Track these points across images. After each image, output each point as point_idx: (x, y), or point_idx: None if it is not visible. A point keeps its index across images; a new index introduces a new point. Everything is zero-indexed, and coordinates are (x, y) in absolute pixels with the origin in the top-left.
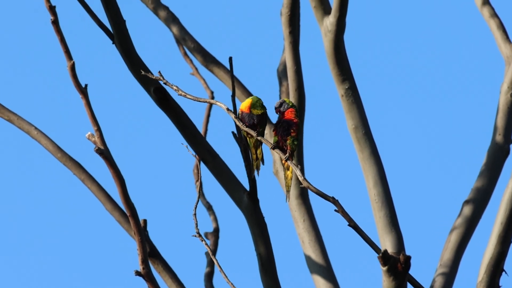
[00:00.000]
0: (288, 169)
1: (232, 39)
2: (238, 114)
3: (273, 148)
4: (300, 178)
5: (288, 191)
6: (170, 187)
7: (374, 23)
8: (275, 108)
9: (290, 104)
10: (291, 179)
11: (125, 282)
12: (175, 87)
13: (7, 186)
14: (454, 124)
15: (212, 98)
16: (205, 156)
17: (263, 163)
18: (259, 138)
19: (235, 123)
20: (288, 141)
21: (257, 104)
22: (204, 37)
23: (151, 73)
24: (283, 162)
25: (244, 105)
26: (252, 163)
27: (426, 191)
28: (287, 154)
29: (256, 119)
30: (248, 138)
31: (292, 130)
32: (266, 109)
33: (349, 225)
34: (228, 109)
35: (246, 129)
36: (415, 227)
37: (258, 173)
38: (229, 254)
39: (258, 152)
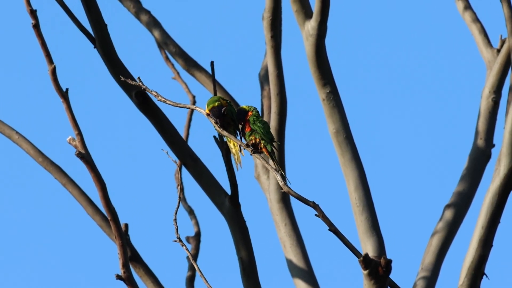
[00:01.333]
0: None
1: (213, 43)
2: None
3: (246, 146)
4: (281, 183)
5: (238, 162)
6: (152, 191)
7: (355, 28)
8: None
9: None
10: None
11: (106, 286)
12: (154, 93)
13: None
14: (435, 128)
15: (194, 102)
16: (187, 160)
17: (243, 154)
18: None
19: (215, 127)
20: (251, 136)
21: (211, 100)
22: (186, 41)
23: (131, 79)
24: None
25: (207, 108)
26: (236, 158)
27: (407, 195)
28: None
29: (217, 110)
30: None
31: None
32: (220, 101)
33: (329, 229)
34: (207, 114)
35: (225, 134)
36: (397, 231)
37: (241, 166)
38: (211, 258)
39: (234, 144)
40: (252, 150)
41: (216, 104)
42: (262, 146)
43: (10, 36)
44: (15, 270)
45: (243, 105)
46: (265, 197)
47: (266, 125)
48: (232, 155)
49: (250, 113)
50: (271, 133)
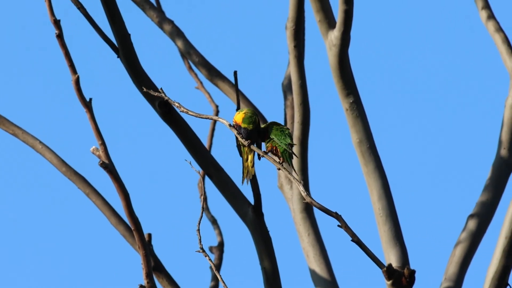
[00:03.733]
0: (247, 160)
1: (237, 53)
2: (233, 124)
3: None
4: (303, 194)
5: (246, 177)
6: (175, 201)
7: (379, 37)
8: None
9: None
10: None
11: None
12: (177, 104)
13: (12, 200)
14: (459, 138)
15: (217, 112)
16: (210, 170)
17: (253, 173)
18: (255, 149)
19: (237, 138)
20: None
21: (247, 119)
22: (209, 51)
23: (154, 89)
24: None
25: (237, 117)
26: (243, 171)
27: (430, 205)
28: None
29: (244, 132)
30: (241, 146)
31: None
32: (256, 124)
33: (352, 240)
34: (230, 125)
35: (246, 143)
36: (420, 241)
37: (248, 181)
38: (234, 268)
39: (249, 159)
40: (279, 165)
41: (249, 127)
42: (279, 151)
43: (34, 46)
44: (40, 280)
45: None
46: (288, 207)
47: (284, 131)
48: (243, 168)
49: (269, 126)
50: (290, 136)
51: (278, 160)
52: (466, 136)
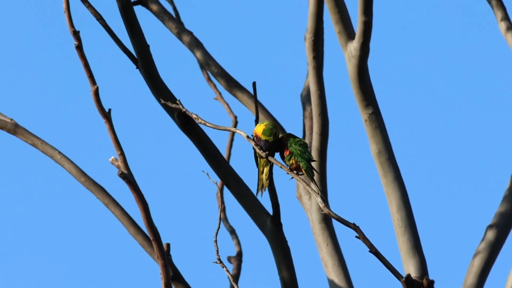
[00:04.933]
0: (263, 172)
1: (255, 64)
2: (253, 137)
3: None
4: (321, 205)
5: (261, 189)
6: (194, 211)
7: (398, 48)
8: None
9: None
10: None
11: None
12: (194, 115)
13: (31, 210)
14: (478, 149)
15: (236, 123)
16: (229, 180)
17: (267, 185)
18: (273, 161)
19: (255, 149)
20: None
21: (269, 131)
22: (228, 62)
23: (173, 99)
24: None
25: (257, 129)
26: (258, 183)
27: (449, 215)
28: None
29: (264, 144)
30: (258, 158)
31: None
32: (276, 137)
33: (370, 251)
34: (248, 137)
35: (264, 155)
36: (439, 251)
37: (262, 194)
38: (253, 278)
39: (265, 172)
40: (295, 173)
41: (269, 139)
42: (303, 169)
43: (53, 56)
44: None
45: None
46: (307, 217)
47: (303, 146)
48: (258, 180)
49: (284, 137)
50: (309, 152)
51: (297, 172)
52: (485, 146)
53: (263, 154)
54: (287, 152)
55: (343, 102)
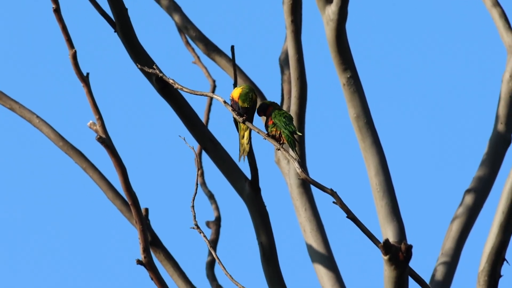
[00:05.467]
0: (243, 137)
1: (234, 27)
2: (230, 101)
3: (267, 136)
4: (298, 171)
5: (242, 154)
6: (173, 176)
7: (375, 12)
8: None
9: (268, 103)
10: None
11: (127, 271)
12: (171, 80)
13: (8, 174)
14: (455, 114)
15: (214, 87)
16: (207, 144)
17: (248, 150)
18: (250, 126)
19: (233, 115)
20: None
21: (245, 96)
22: (206, 25)
23: (151, 63)
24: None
25: (234, 93)
26: (239, 148)
27: (427, 180)
28: (281, 143)
29: (242, 110)
30: (238, 123)
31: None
32: (253, 101)
33: (347, 217)
34: (225, 102)
35: (241, 120)
36: (417, 216)
37: (244, 159)
38: (231, 242)
39: (245, 137)
40: (279, 146)
41: (246, 105)
42: (283, 139)
43: (30, 21)
44: (37, 255)
45: (266, 100)
46: (285, 181)
47: (288, 118)
48: (239, 145)
49: (270, 108)
50: (294, 125)
51: (278, 141)
52: (463, 111)
53: (240, 120)
54: (271, 122)
55: (321, 66)
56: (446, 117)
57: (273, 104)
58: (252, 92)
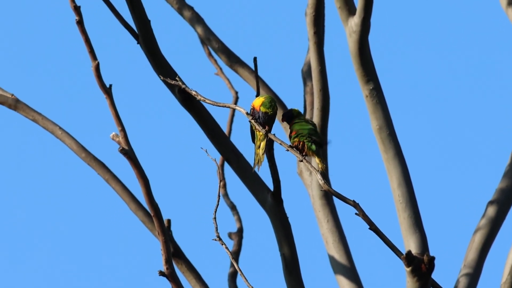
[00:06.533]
0: (259, 147)
1: (256, 39)
2: (250, 110)
3: (290, 147)
4: (321, 182)
5: (257, 164)
6: (195, 187)
7: (399, 23)
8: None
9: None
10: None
11: (149, 282)
12: (194, 92)
13: (32, 186)
14: (478, 125)
15: (237, 98)
16: (230, 156)
17: (263, 160)
18: (273, 138)
19: (255, 126)
20: (297, 140)
21: (268, 104)
22: (229, 37)
23: (173, 74)
24: (298, 160)
25: (256, 102)
26: (254, 158)
27: (450, 191)
28: (304, 155)
29: (263, 116)
30: (256, 132)
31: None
32: (275, 110)
33: (370, 228)
34: (247, 113)
35: (264, 132)
36: (440, 228)
37: (258, 168)
38: (253, 254)
39: (261, 147)
40: (302, 157)
41: (268, 111)
42: (306, 149)
43: (54, 32)
44: (58, 266)
45: (294, 108)
46: (308, 193)
47: (311, 127)
48: (255, 155)
49: (293, 122)
50: (318, 133)
51: (301, 153)
52: (486, 123)
53: (263, 131)
54: (294, 133)
55: (344, 77)
56: (469, 129)
57: (298, 114)
58: (274, 101)
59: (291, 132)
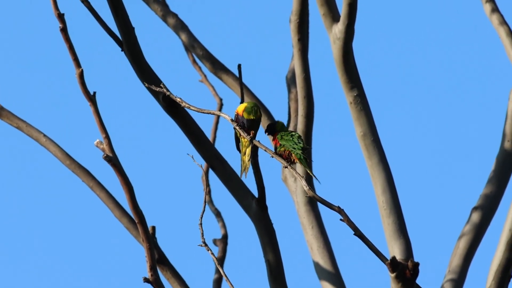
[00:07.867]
0: (245, 153)
1: (241, 46)
2: (234, 116)
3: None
4: (305, 188)
5: (244, 171)
6: (179, 194)
7: (383, 30)
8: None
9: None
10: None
11: None
12: (178, 99)
13: (15, 194)
14: (463, 131)
15: (221, 105)
16: (214, 163)
17: (249, 166)
18: (258, 144)
19: (239, 132)
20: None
21: (250, 109)
22: (213, 44)
23: (158, 81)
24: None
25: (239, 108)
26: (241, 165)
27: (434, 197)
28: (292, 162)
29: (246, 122)
30: (241, 138)
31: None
32: (257, 115)
33: (354, 234)
34: (232, 120)
35: (248, 138)
36: (424, 233)
37: (245, 175)
38: (238, 260)
39: (247, 153)
40: (286, 164)
41: (251, 117)
42: (294, 158)
43: (37, 40)
44: (44, 273)
45: (277, 121)
46: (292, 199)
47: (294, 137)
48: (241, 162)
49: (276, 134)
50: (302, 142)
51: (285, 160)
52: (470, 129)
53: (248, 137)
54: (278, 144)
55: (328, 84)
56: (453, 135)
57: (280, 126)
58: (257, 107)
59: (275, 143)
